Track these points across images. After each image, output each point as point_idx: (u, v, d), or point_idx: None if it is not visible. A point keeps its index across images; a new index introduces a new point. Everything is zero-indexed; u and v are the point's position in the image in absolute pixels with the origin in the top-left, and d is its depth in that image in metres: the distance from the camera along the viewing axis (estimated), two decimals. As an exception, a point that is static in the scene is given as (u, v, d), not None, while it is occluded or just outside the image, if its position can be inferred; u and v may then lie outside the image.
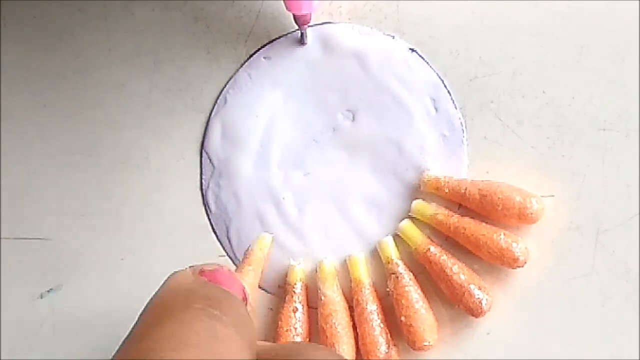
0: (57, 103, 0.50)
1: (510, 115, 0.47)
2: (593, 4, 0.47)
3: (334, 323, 0.46)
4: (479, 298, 0.45)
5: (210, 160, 0.49)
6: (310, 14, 0.45)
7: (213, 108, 0.49)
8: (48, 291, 0.49)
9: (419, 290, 0.46)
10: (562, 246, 0.47)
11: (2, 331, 0.49)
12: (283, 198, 0.48)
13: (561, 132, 0.47)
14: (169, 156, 0.49)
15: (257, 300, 0.48)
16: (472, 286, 0.45)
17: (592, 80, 0.47)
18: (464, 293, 0.45)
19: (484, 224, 0.46)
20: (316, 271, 0.47)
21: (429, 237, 0.47)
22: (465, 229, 0.46)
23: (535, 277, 0.47)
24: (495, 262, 0.46)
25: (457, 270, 0.45)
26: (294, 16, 0.45)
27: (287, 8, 0.43)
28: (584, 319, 0.46)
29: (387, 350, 0.46)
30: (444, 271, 0.45)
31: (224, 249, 0.49)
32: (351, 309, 0.47)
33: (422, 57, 0.48)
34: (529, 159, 0.47)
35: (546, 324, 0.47)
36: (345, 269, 0.47)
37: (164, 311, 0.34)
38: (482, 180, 0.46)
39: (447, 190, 0.46)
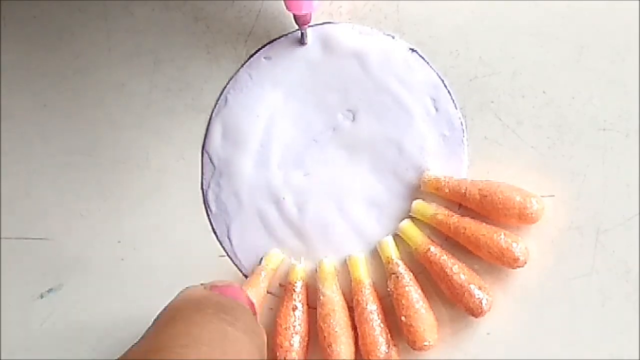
0: (57, 103, 0.50)
1: (510, 115, 0.47)
2: (593, 4, 0.47)
3: (332, 323, 0.46)
4: (479, 298, 0.45)
5: (210, 160, 0.49)
6: (311, 14, 0.45)
7: (213, 108, 0.49)
8: (48, 291, 0.49)
9: (419, 290, 0.46)
10: (562, 246, 0.47)
11: (2, 331, 0.49)
12: (283, 198, 0.48)
13: (561, 132, 0.47)
14: (169, 156, 0.49)
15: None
16: (472, 286, 0.45)
17: (592, 80, 0.47)
18: (464, 293, 0.45)
19: (484, 224, 0.46)
20: (316, 271, 0.47)
21: (429, 237, 0.47)
22: (465, 229, 0.46)
23: (535, 277, 0.47)
24: (496, 262, 0.46)
25: (457, 270, 0.45)
26: (294, 16, 0.45)
27: (287, 8, 0.43)
28: (584, 319, 0.47)
29: (387, 350, 0.46)
30: (444, 271, 0.45)
31: (224, 249, 0.49)
32: (351, 308, 0.47)
33: (422, 57, 0.48)
34: (529, 159, 0.47)
35: (546, 324, 0.47)
36: (346, 269, 0.48)
37: (176, 313, 0.35)
38: (482, 180, 0.46)
39: (447, 190, 0.46)
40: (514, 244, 0.45)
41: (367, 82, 0.48)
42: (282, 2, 0.43)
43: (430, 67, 0.48)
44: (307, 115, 0.48)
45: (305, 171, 0.48)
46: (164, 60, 0.49)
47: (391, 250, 0.47)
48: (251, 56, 0.49)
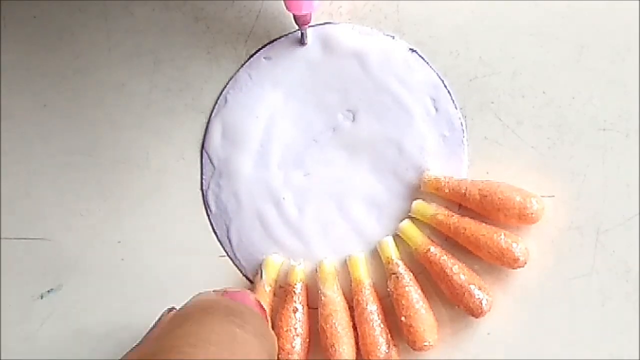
0: (57, 103, 0.50)
1: (510, 115, 0.47)
2: (593, 4, 0.47)
3: (334, 323, 0.46)
4: (479, 298, 0.45)
5: (210, 160, 0.49)
6: (311, 14, 0.45)
7: (213, 108, 0.49)
8: (48, 291, 0.49)
9: (419, 291, 0.46)
10: (562, 246, 0.47)
11: (2, 331, 0.49)
12: (283, 198, 0.48)
13: (561, 132, 0.47)
14: (169, 156, 0.49)
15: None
16: (472, 286, 0.45)
17: (592, 80, 0.47)
18: (464, 293, 0.45)
19: (484, 224, 0.46)
20: (316, 271, 0.47)
21: (429, 237, 0.47)
22: (465, 229, 0.46)
23: (535, 277, 0.47)
24: (496, 262, 0.46)
25: (457, 270, 0.45)
26: (294, 16, 0.45)
27: (287, 8, 0.43)
28: (584, 319, 0.47)
29: (387, 351, 0.46)
30: (444, 271, 0.45)
31: (224, 249, 0.49)
32: (351, 309, 0.47)
33: (422, 57, 0.48)
34: (529, 159, 0.47)
35: (546, 324, 0.47)
36: (346, 269, 0.48)
37: (185, 315, 0.35)
38: (482, 181, 0.46)
39: (447, 191, 0.46)
40: (514, 244, 0.45)
41: (367, 82, 0.48)
42: (282, 2, 0.43)
43: (430, 67, 0.48)
44: (307, 116, 0.48)
45: (305, 171, 0.48)
46: (164, 60, 0.49)
47: (391, 251, 0.47)
48: (251, 56, 0.49)
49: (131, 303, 0.49)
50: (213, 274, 0.48)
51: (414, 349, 0.46)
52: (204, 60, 0.49)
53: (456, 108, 0.47)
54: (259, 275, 0.47)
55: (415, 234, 0.47)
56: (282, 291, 0.48)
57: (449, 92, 0.47)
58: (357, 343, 0.47)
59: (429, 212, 0.47)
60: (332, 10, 0.48)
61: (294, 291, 0.47)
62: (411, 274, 0.46)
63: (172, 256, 0.49)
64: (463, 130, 0.47)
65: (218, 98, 0.49)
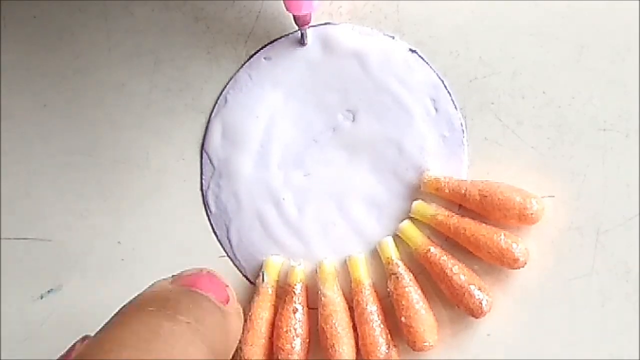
0: (57, 103, 0.50)
1: (510, 116, 0.47)
2: (593, 4, 0.47)
3: (334, 323, 0.46)
4: (479, 299, 0.45)
5: (210, 160, 0.49)
6: (310, 14, 0.45)
7: (213, 108, 0.49)
8: (48, 291, 0.49)
9: (419, 291, 0.46)
10: (562, 246, 0.47)
11: (2, 331, 0.49)
12: (283, 198, 0.48)
13: (561, 132, 0.47)
14: (169, 156, 0.49)
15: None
16: (472, 287, 0.45)
17: (592, 80, 0.47)
18: (464, 294, 0.45)
19: (484, 224, 0.46)
20: (316, 271, 0.47)
21: (429, 238, 0.47)
22: (465, 230, 0.46)
23: (535, 278, 0.47)
24: (496, 263, 0.46)
25: (457, 270, 0.45)
26: (294, 17, 0.45)
27: (287, 8, 0.43)
28: (584, 319, 0.47)
29: (387, 351, 0.46)
30: (444, 272, 0.45)
31: (224, 249, 0.49)
32: (351, 309, 0.47)
33: (422, 58, 0.48)
34: (529, 159, 0.47)
35: (546, 324, 0.47)
36: (345, 269, 0.48)
37: (116, 316, 0.35)
38: (482, 181, 0.46)
39: (447, 191, 0.46)
40: (514, 245, 0.45)
41: (367, 83, 0.48)
42: (282, 2, 0.43)
43: (430, 67, 0.48)
44: (307, 116, 0.48)
45: (305, 171, 0.48)
46: (164, 60, 0.49)
47: (391, 251, 0.47)
48: (251, 56, 0.49)
49: (131, 303, 0.49)
50: (213, 274, 0.48)
51: (414, 350, 0.46)
52: (204, 60, 0.49)
53: (456, 108, 0.47)
54: (261, 277, 0.47)
55: (415, 234, 0.47)
56: (282, 291, 0.48)
57: (449, 92, 0.47)
58: (357, 343, 0.47)
59: (429, 212, 0.47)
60: (332, 11, 0.48)
61: (293, 291, 0.47)
62: (411, 275, 0.46)
63: (172, 256, 0.49)
64: (463, 131, 0.47)
65: (218, 98, 0.49)
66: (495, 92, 0.47)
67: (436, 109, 0.47)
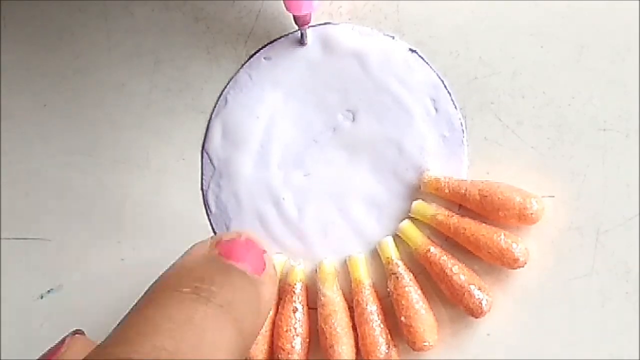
0: (57, 103, 0.50)
1: (510, 116, 0.47)
2: (593, 4, 0.47)
3: (334, 323, 0.46)
4: (479, 298, 0.45)
5: (210, 160, 0.49)
6: (310, 14, 0.45)
7: (213, 108, 0.49)
8: (48, 291, 0.49)
9: (419, 291, 0.46)
10: (562, 246, 0.47)
11: (2, 331, 0.49)
12: (283, 198, 0.48)
13: (561, 132, 0.47)
14: (169, 156, 0.49)
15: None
16: (472, 287, 0.45)
17: (592, 80, 0.47)
18: (464, 293, 0.45)
19: (484, 224, 0.46)
20: (316, 271, 0.47)
21: (429, 238, 0.47)
22: (465, 230, 0.46)
23: (535, 278, 0.47)
24: (496, 263, 0.46)
25: (457, 270, 0.45)
26: (294, 17, 0.45)
27: (287, 8, 0.43)
28: (584, 319, 0.47)
29: (387, 351, 0.46)
30: (444, 272, 0.45)
31: (224, 249, 0.48)
32: (351, 309, 0.47)
33: (422, 58, 0.48)
34: (529, 159, 0.47)
35: (546, 324, 0.47)
36: (345, 269, 0.48)
37: (151, 292, 0.34)
38: (482, 181, 0.46)
39: (447, 191, 0.46)
40: (514, 245, 0.45)
41: (367, 83, 0.48)
42: (282, 2, 0.43)
43: (430, 67, 0.48)
44: (307, 116, 0.48)
45: (305, 171, 0.48)
46: (164, 60, 0.49)
47: (391, 251, 0.47)
48: (251, 56, 0.49)
49: (131, 303, 0.49)
50: (213, 274, 0.48)
51: (413, 349, 0.46)
52: (204, 60, 0.49)
53: (456, 108, 0.47)
54: None
55: (415, 234, 0.47)
56: (282, 291, 0.48)
57: (449, 92, 0.47)
58: (356, 343, 0.47)
59: (429, 212, 0.47)
60: (332, 11, 0.48)
61: (293, 291, 0.47)
62: (411, 274, 0.46)
63: (172, 256, 0.49)
64: (463, 131, 0.47)
65: (218, 98, 0.49)
66: (495, 92, 0.47)
67: (436, 109, 0.47)
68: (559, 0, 0.47)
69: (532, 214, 0.45)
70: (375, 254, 0.48)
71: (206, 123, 0.49)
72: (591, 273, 0.47)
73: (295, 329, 0.46)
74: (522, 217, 0.45)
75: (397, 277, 0.46)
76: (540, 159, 0.47)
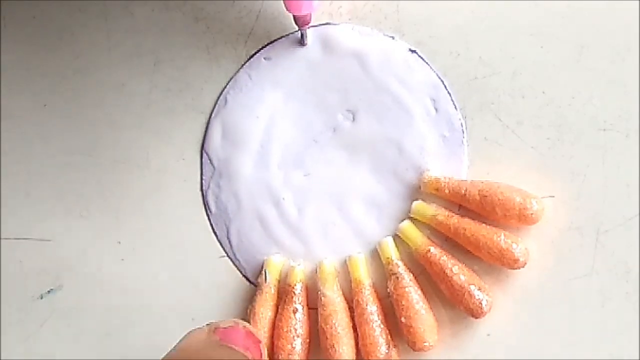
0: (57, 103, 0.50)
1: (510, 116, 0.47)
2: (593, 4, 0.47)
3: (334, 324, 0.46)
4: (479, 299, 0.45)
5: (210, 160, 0.49)
6: (310, 14, 0.45)
7: (213, 108, 0.49)
8: (48, 291, 0.49)
9: (419, 291, 0.46)
10: (562, 247, 0.47)
11: (2, 331, 0.49)
12: (283, 198, 0.48)
13: (561, 132, 0.47)
14: (169, 156, 0.49)
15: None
16: (472, 287, 0.45)
17: (592, 80, 0.47)
18: (464, 294, 0.45)
19: (484, 224, 0.46)
20: (316, 272, 0.47)
21: (429, 238, 0.47)
22: (465, 230, 0.46)
23: (535, 278, 0.47)
24: (496, 263, 0.46)
25: (457, 271, 0.45)
26: (294, 17, 0.45)
27: (287, 9, 0.43)
28: (584, 319, 0.47)
29: (387, 351, 0.46)
30: (444, 272, 0.45)
31: (224, 249, 0.49)
32: (351, 309, 0.47)
33: (422, 58, 0.48)
34: (529, 159, 0.47)
35: (546, 324, 0.47)
36: (345, 270, 0.48)
37: None
38: (482, 181, 0.46)
39: (447, 191, 0.46)
40: (514, 245, 0.45)
41: (367, 83, 0.48)
42: (282, 2, 0.43)
43: (430, 67, 0.48)
44: (307, 116, 0.48)
45: (305, 171, 0.48)
46: (164, 60, 0.49)
47: (391, 251, 0.47)
48: (251, 57, 0.49)
49: (131, 303, 0.49)
50: (213, 274, 0.48)
51: (414, 350, 0.46)
52: (204, 60, 0.49)
53: (456, 108, 0.47)
54: (264, 277, 0.47)
55: (415, 234, 0.47)
56: (282, 291, 0.48)
57: (449, 92, 0.47)
58: (357, 343, 0.47)
59: (429, 212, 0.47)
60: (332, 11, 0.48)
61: (293, 292, 0.47)
62: (411, 275, 0.46)
63: (172, 256, 0.49)
64: (463, 131, 0.47)
65: (218, 98, 0.49)
66: (495, 92, 0.47)
67: (436, 109, 0.47)
68: (559, 0, 0.47)
69: (532, 214, 0.45)
70: (375, 254, 0.48)
71: (206, 123, 0.49)
72: (591, 273, 0.47)
73: (295, 329, 0.46)
74: (522, 218, 0.45)
75: (397, 278, 0.46)
76: (540, 159, 0.47)
